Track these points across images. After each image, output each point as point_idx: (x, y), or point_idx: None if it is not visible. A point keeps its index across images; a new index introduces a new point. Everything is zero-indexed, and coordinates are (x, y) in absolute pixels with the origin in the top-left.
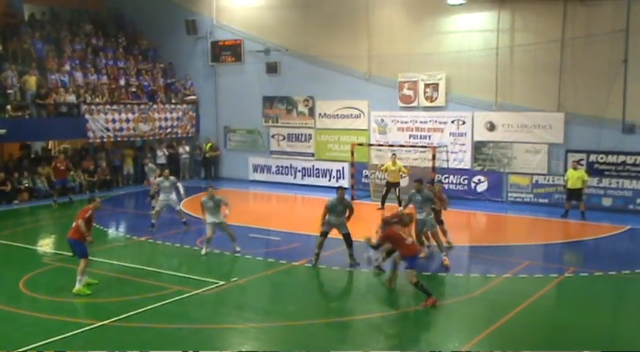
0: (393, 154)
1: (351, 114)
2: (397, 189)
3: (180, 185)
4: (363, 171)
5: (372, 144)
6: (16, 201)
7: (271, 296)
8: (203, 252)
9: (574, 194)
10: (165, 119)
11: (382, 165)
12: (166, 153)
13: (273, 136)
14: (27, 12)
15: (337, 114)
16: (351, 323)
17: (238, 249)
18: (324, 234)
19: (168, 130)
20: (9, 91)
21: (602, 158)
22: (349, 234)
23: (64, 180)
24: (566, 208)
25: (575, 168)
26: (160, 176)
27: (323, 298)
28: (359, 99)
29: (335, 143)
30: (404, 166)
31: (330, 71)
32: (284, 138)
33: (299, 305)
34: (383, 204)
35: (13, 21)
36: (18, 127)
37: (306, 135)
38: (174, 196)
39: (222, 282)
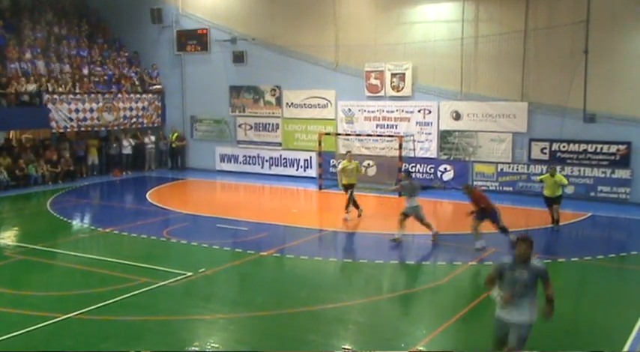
0: (348, 152)
1: (319, 104)
2: (351, 191)
3: None
4: (331, 161)
5: (339, 134)
6: None
7: (239, 287)
8: None
9: (553, 200)
10: (131, 109)
11: (340, 166)
12: (132, 143)
13: (240, 126)
14: None
15: (304, 104)
16: (320, 313)
17: None
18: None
19: (134, 120)
20: None
21: (564, 146)
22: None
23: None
24: (552, 216)
25: (552, 175)
26: None
27: (291, 288)
28: (326, 89)
29: (302, 132)
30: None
31: (297, 60)
32: (251, 128)
33: (267, 295)
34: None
35: None
36: None
37: (273, 124)
38: None
39: (189, 273)
